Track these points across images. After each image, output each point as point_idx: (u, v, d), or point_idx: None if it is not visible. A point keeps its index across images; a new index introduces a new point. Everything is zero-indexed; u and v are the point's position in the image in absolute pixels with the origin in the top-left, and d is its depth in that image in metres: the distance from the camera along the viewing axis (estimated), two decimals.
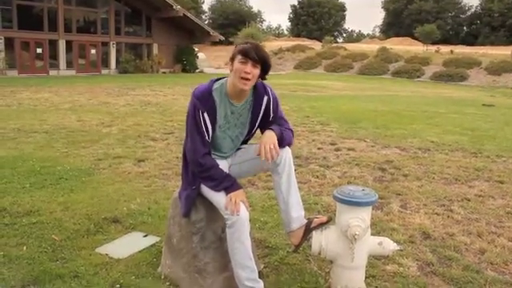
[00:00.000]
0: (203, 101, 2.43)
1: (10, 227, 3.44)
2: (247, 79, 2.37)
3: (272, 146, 2.37)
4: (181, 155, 2.73)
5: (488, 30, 61.24)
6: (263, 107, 2.54)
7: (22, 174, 4.88)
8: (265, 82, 2.57)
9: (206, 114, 2.42)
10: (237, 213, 2.33)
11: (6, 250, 3.05)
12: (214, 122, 2.47)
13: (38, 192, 4.31)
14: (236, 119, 2.55)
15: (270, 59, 2.46)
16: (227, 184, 2.43)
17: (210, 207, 2.57)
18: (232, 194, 2.39)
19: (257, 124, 2.60)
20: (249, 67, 2.35)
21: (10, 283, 2.65)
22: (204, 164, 2.46)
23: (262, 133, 2.56)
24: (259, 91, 2.53)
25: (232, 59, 2.42)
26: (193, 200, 2.58)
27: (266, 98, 2.54)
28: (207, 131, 2.46)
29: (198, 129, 2.45)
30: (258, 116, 2.56)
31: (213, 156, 2.57)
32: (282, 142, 2.51)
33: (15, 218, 3.61)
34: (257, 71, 2.39)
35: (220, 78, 2.57)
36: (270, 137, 2.42)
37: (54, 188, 4.47)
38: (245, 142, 2.74)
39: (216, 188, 2.45)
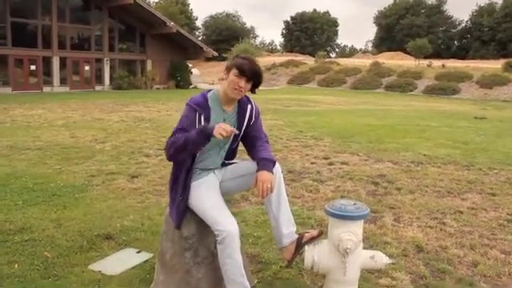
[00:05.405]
0: (202, 107, 2.57)
1: (1, 245, 3.42)
2: (240, 91, 2.55)
3: (269, 186, 2.45)
4: None
5: (478, 44, 62.05)
6: (247, 115, 2.68)
7: (15, 191, 4.86)
8: (253, 95, 2.73)
9: (202, 117, 2.54)
10: (231, 132, 2.39)
11: None
12: None
13: (31, 209, 4.29)
14: None
15: (263, 75, 2.62)
16: (201, 127, 2.43)
17: (202, 222, 2.57)
18: (216, 129, 2.36)
19: (241, 131, 2.68)
20: (243, 82, 2.53)
21: None
22: (176, 137, 2.48)
23: (251, 152, 2.67)
24: (243, 101, 2.69)
25: (228, 69, 2.57)
26: (183, 210, 2.60)
27: (249, 107, 2.70)
28: None
29: (189, 124, 2.50)
30: (243, 124, 2.67)
31: (200, 171, 2.65)
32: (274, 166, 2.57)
33: (7, 236, 3.59)
34: (249, 86, 2.58)
35: (210, 90, 2.72)
36: (269, 176, 2.48)
37: (46, 205, 4.45)
38: (232, 153, 2.77)
39: (198, 138, 2.41)
